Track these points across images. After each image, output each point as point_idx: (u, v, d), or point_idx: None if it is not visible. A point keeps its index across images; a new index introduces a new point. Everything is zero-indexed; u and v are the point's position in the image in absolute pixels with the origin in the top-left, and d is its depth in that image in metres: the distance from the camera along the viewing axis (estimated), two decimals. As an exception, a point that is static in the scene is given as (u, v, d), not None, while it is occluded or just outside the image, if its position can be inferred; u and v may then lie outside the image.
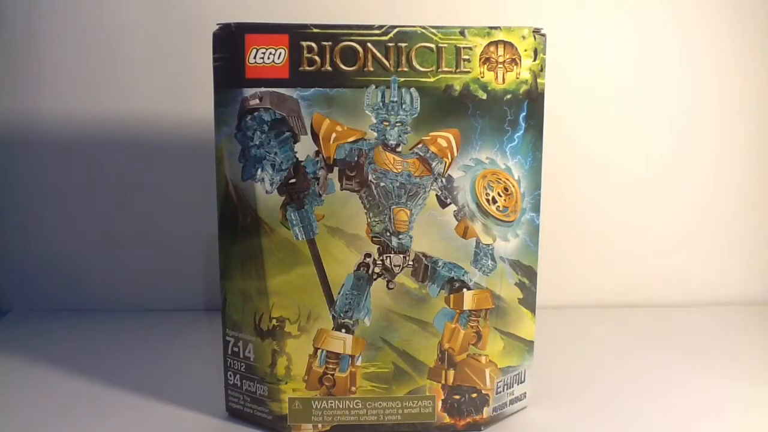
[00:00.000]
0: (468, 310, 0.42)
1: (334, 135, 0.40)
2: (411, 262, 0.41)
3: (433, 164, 0.40)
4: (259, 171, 0.40)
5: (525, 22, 0.46)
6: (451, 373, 0.42)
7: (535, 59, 0.41)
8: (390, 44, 0.39)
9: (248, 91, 0.40)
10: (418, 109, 0.40)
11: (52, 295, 0.68)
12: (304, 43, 0.39)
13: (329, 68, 0.39)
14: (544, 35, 0.42)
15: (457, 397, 0.43)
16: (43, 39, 0.65)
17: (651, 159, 0.69)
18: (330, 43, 0.39)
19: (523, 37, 0.41)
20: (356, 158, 0.40)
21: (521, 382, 0.45)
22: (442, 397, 0.42)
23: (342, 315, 0.41)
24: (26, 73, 0.65)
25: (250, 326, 0.42)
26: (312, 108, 0.39)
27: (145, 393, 0.48)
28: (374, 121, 0.40)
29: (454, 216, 0.41)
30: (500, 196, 0.41)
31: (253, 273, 0.41)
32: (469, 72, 0.40)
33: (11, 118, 0.65)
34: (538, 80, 0.42)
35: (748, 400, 0.48)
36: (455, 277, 0.41)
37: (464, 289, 0.42)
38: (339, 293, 0.41)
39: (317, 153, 0.40)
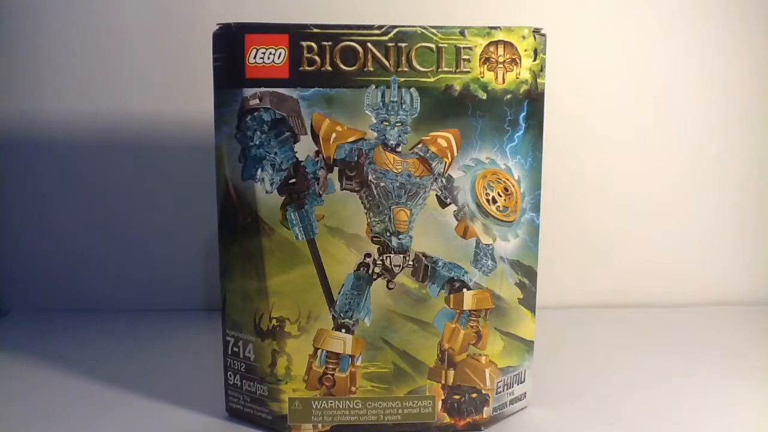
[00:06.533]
0: (468, 310, 0.42)
1: (334, 135, 0.40)
2: (411, 262, 0.41)
3: (433, 164, 0.40)
4: (259, 171, 0.40)
5: (525, 22, 0.46)
6: (451, 373, 0.42)
7: (535, 59, 0.41)
8: (390, 44, 0.39)
9: (248, 91, 0.40)
10: (418, 109, 0.40)
11: (52, 295, 0.68)
12: (304, 43, 0.39)
13: (329, 68, 0.39)
14: (544, 35, 0.42)
15: (457, 397, 0.43)
16: (43, 39, 0.65)
17: (651, 159, 0.69)
18: (330, 43, 0.39)
19: (523, 37, 0.41)
20: (356, 158, 0.40)
21: (521, 382, 0.45)
22: (442, 397, 0.42)
23: (342, 315, 0.41)
24: (26, 73, 0.65)
25: (250, 326, 0.42)
26: (312, 108, 0.39)
27: (145, 393, 0.48)
28: (374, 121, 0.40)
29: (454, 216, 0.41)
30: (500, 196, 0.41)
31: (253, 273, 0.41)
32: (469, 72, 0.40)
33: (11, 118, 0.65)
34: (538, 80, 0.42)
35: (748, 400, 0.48)
36: (455, 277, 0.41)
37: (464, 289, 0.42)
38: (339, 293, 0.41)
39: (317, 153, 0.40)
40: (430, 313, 0.42)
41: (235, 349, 0.43)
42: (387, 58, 0.39)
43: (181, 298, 0.68)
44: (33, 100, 0.65)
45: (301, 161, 0.40)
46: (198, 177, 0.64)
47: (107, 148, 0.66)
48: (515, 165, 0.42)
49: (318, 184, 0.40)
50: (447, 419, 0.43)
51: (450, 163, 0.40)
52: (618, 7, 0.67)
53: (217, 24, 0.40)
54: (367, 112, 0.40)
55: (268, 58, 0.39)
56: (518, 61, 0.41)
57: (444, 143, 0.40)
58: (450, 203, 0.41)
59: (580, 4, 0.67)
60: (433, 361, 0.42)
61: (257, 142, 0.40)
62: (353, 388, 0.42)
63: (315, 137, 0.40)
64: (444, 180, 0.41)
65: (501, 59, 0.40)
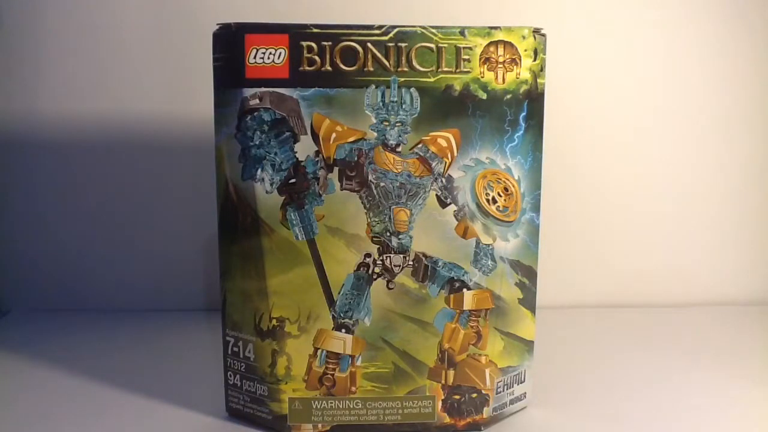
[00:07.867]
0: (468, 310, 0.42)
1: (334, 135, 0.40)
2: (411, 262, 0.41)
3: (433, 164, 0.40)
4: (259, 171, 0.40)
5: (525, 22, 0.46)
6: (451, 373, 0.42)
7: (535, 59, 0.41)
8: (390, 44, 0.39)
9: (248, 91, 0.40)
10: (418, 109, 0.40)
11: (52, 295, 0.68)
12: (304, 43, 0.39)
13: (329, 68, 0.39)
14: (544, 35, 0.42)
15: (457, 397, 0.43)
16: (43, 39, 0.65)
17: (651, 159, 0.69)
18: (330, 43, 0.39)
19: (523, 37, 0.41)
20: (356, 158, 0.40)
21: (521, 382, 0.45)
22: (442, 397, 0.42)
23: (342, 315, 0.41)
24: (26, 73, 0.65)
25: (250, 326, 0.42)
26: (312, 108, 0.39)
27: (145, 393, 0.48)
28: (374, 121, 0.40)
29: (454, 216, 0.41)
30: (500, 196, 0.41)
31: (253, 273, 0.41)
32: (469, 72, 0.40)
33: (11, 118, 0.65)
34: (538, 80, 0.42)
35: (748, 400, 0.48)
36: (455, 277, 0.41)
37: (464, 289, 0.42)
38: (339, 293, 0.41)
39: (317, 153, 0.40)
40: (430, 313, 0.42)
41: (235, 349, 0.43)
42: (387, 58, 0.39)
43: (181, 298, 0.68)
44: (33, 100, 0.65)
45: (301, 161, 0.40)
46: (198, 177, 0.64)
47: (107, 148, 0.66)
48: (515, 165, 0.42)
49: (318, 184, 0.40)
50: (447, 419, 0.43)
51: (450, 163, 0.40)
52: (618, 7, 0.67)
53: (217, 24, 0.40)
54: (367, 112, 0.40)
55: (268, 58, 0.39)
56: (518, 61, 0.41)
57: (444, 143, 0.40)
58: (450, 203, 0.41)
59: (580, 4, 0.67)
60: (433, 361, 0.42)
61: (257, 142, 0.40)
62: (353, 388, 0.42)
63: (315, 137, 0.40)
64: (444, 180, 0.41)
65: (501, 59, 0.40)
